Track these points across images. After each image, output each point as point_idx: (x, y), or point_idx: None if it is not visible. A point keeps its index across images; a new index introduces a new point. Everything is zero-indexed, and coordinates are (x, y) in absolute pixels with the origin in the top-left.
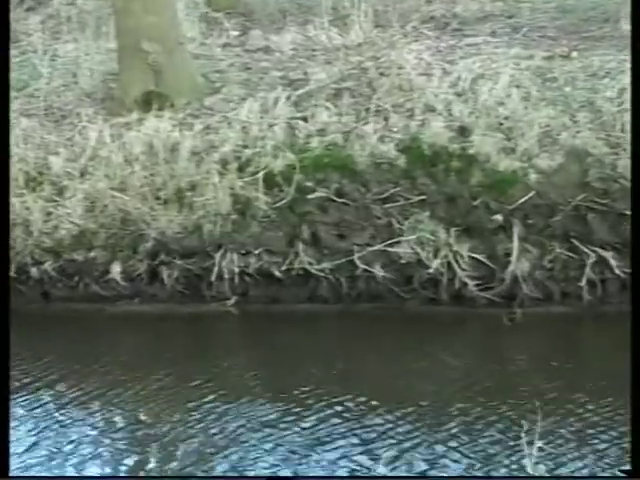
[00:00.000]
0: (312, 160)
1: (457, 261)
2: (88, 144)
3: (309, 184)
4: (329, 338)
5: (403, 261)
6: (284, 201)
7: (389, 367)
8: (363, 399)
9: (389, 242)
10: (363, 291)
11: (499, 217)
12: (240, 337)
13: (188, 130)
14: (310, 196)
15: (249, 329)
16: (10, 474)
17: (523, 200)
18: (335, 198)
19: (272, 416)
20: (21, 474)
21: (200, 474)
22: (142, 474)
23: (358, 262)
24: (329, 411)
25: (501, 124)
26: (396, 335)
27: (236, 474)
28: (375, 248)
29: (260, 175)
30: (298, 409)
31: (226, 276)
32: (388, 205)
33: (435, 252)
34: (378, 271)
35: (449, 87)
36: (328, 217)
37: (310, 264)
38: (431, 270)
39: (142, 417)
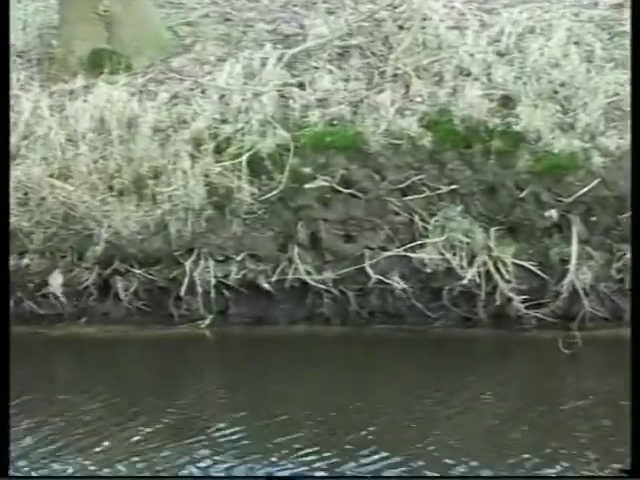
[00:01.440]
0: (311, 139)
1: (498, 270)
2: (20, 118)
3: (307, 170)
4: (332, 370)
5: (429, 270)
6: (274, 192)
7: (410, 413)
8: (377, 457)
9: (410, 245)
10: (377, 309)
11: (553, 213)
12: (216, 370)
13: (150, 100)
14: (308, 186)
15: (228, 359)
16: (10, 474)
17: (584, 191)
18: (340, 188)
19: None
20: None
21: None
22: None
23: (370, 271)
24: None
25: (556, 92)
26: (419, 367)
27: None
28: (392, 253)
29: (244, 159)
30: None
31: (199, 289)
32: (409, 197)
33: (470, 258)
34: (396, 283)
35: (488, 44)
36: (331, 213)
37: (308, 274)
38: (465, 281)
39: None
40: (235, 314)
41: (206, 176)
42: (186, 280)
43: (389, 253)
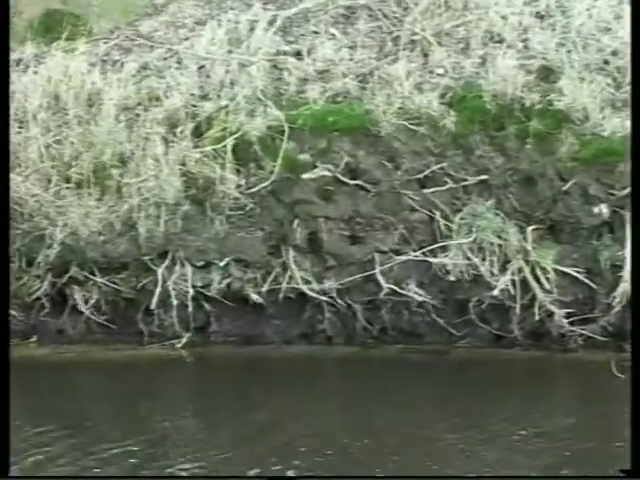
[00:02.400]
0: (310, 119)
1: (537, 278)
2: None
3: (305, 157)
4: (334, 400)
5: (452, 278)
6: (265, 184)
7: (429, 455)
8: None
9: (430, 248)
10: (389, 325)
11: (603, 209)
12: (193, 399)
13: (115, 72)
14: (306, 176)
15: (208, 386)
16: (10, 474)
17: None
18: (345, 179)
19: None
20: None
21: None
22: None
23: (381, 279)
24: None
25: (606, 62)
26: (441, 397)
27: None
28: (408, 257)
29: (228, 143)
30: None
31: (174, 301)
32: (429, 190)
33: (503, 264)
34: (413, 293)
35: (524, 4)
36: (334, 209)
37: (306, 282)
38: (496, 292)
39: None
40: (218, 332)
41: (183, 164)
42: (158, 290)
43: (404, 257)
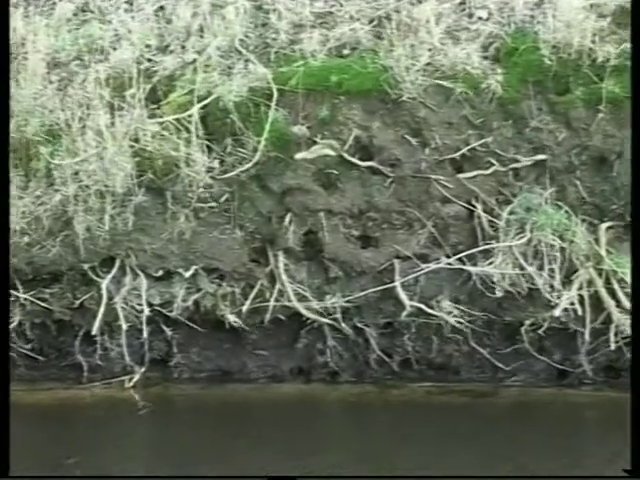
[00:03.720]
0: (306, 79)
1: (613, 293)
2: None
3: (300, 130)
4: (341, 458)
5: (499, 293)
6: (246, 166)
7: None
8: None
9: (469, 252)
10: (414, 356)
11: None
12: (145, 458)
13: (43, 15)
14: (301, 155)
15: (168, 440)
16: (10, 474)
17: None
18: (355, 160)
19: None
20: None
21: None
22: None
23: (403, 295)
24: None
25: None
26: (485, 453)
27: None
28: (440, 265)
29: (195, 111)
30: None
31: (123, 324)
32: (467, 175)
33: (567, 274)
34: (446, 314)
35: None
36: (340, 200)
37: (301, 299)
38: (558, 312)
39: None
40: (182, 366)
41: (135, 140)
42: (102, 310)
43: (434, 266)
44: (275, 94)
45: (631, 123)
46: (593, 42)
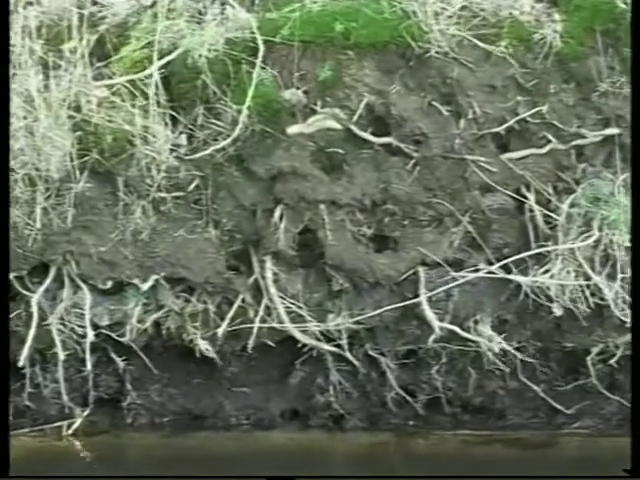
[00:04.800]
0: (302, 28)
1: None
2: None
3: (294, 95)
4: None
5: (557, 311)
6: (224, 143)
7: None
8: None
9: (517, 257)
10: (445, 394)
11: None
12: None
13: None
14: (295, 129)
15: None
16: (10, 474)
17: None
18: (366, 135)
19: None
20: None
21: None
22: None
23: (429, 313)
24: None
25: None
26: None
27: None
28: (479, 274)
29: (154, 70)
30: None
31: (60, 353)
32: (514, 154)
33: None
34: (487, 339)
35: None
36: (346, 188)
37: (296, 319)
38: None
39: None
40: (137, 407)
41: (76, 109)
42: (32, 333)
43: (471, 275)
44: (261, 48)
45: (631, 122)
46: None
